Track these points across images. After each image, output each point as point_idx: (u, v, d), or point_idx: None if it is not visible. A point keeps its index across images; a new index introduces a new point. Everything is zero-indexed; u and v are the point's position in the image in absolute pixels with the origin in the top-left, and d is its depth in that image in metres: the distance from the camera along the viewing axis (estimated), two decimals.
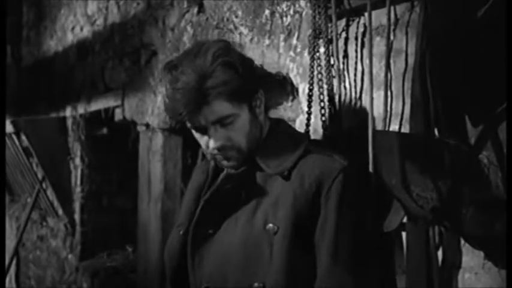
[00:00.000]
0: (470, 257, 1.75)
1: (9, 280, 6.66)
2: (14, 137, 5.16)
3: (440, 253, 1.78)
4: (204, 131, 1.93)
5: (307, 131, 2.26)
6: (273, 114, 3.44)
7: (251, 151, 1.96)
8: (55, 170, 5.09)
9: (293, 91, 3.12)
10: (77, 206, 5.08)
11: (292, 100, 3.26)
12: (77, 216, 5.10)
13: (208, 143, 1.93)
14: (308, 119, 2.27)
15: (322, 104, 2.25)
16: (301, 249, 1.89)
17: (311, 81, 2.28)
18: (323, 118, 2.24)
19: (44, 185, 5.27)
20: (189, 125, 1.94)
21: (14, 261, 6.39)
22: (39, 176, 5.24)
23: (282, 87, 3.26)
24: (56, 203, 5.27)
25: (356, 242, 1.85)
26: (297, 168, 1.92)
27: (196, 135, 1.97)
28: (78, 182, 5.03)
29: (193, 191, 2.15)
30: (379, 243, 1.93)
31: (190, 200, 2.14)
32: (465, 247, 1.76)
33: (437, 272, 1.73)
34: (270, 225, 1.89)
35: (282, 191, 1.92)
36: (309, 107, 2.27)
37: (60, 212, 5.24)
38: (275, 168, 1.94)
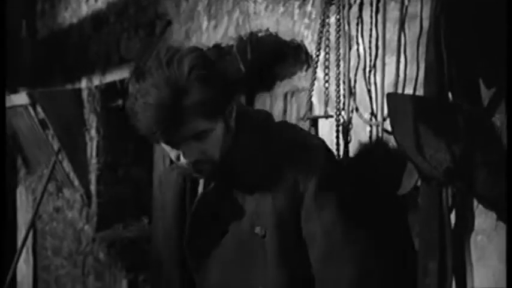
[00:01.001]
0: (483, 219, 1.76)
1: (26, 252, 6.73)
2: (30, 108, 5.20)
3: (453, 215, 1.80)
4: (175, 144, 1.86)
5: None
6: (288, 84, 3.49)
7: (224, 162, 1.92)
8: (71, 142, 5.14)
9: (307, 60, 3.13)
10: (92, 177, 5.13)
11: (307, 69, 3.28)
12: (92, 188, 5.15)
13: (180, 157, 1.88)
14: (326, 87, 2.27)
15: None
16: (294, 246, 1.91)
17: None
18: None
19: (60, 157, 5.32)
20: (161, 141, 1.87)
21: (31, 233, 6.47)
22: (55, 147, 5.28)
23: (296, 56, 3.28)
24: (71, 174, 5.32)
25: (345, 228, 1.86)
26: (274, 172, 1.91)
27: (166, 147, 1.90)
28: (94, 154, 5.08)
29: (174, 193, 2.11)
30: (373, 221, 1.93)
31: (173, 203, 2.11)
32: (478, 209, 1.77)
33: (449, 234, 1.75)
34: (258, 228, 1.92)
35: (261, 194, 1.92)
36: (325, 74, 2.26)
37: (76, 183, 5.29)
38: (254, 179, 1.93)
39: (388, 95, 1.72)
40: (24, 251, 6.51)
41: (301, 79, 3.36)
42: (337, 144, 2.21)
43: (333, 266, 1.86)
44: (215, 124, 1.85)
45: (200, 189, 2.05)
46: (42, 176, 5.90)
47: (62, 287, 6.01)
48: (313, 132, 2.29)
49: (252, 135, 1.96)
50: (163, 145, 1.89)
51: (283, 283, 1.91)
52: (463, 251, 1.79)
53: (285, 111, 3.48)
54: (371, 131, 2.21)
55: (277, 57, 3.45)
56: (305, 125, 2.30)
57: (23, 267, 6.88)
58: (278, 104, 3.49)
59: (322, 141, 2.00)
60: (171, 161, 2.06)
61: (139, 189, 5.03)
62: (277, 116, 3.42)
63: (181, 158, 1.87)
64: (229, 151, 1.92)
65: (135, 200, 5.05)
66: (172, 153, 1.90)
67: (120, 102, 4.89)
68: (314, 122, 2.31)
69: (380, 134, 2.09)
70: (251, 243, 1.93)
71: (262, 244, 1.92)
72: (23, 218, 6.83)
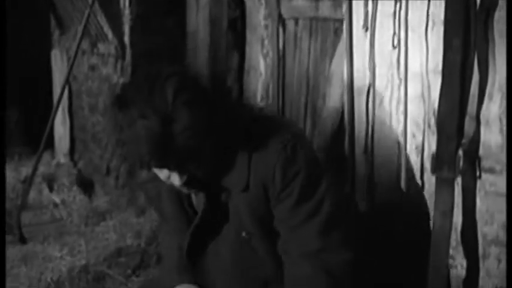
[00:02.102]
0: None
1: (63, 113, 6.91)
2: None
3: None
4: (168, 168, 1.88)
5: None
6: None
7: (212, 177, 1.97)
8: None
9: None
10: (126, 28, 5.21)
11: None
12: (126, 39, 5.24)
13: (170, 178, 1.91)
14: None
15: None
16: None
17: None
18: None
19: (93, 10, 5.38)
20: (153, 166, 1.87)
21: (67, 95, 6.62)
22: (89, 0, 5.35)
23: None
24: (105, 27, 5.41)
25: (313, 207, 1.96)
26: (250, 176, 1.96)
27: (156, 170, 1.91)
28: (127, 4, 5.14)
29: (170, 208, 2.17)
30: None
31: (174, 204, 2.17)
32: None
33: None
34: (243, 233, 2.03)
35: (241, 202, 2.00)
36: None
37: (110, 35, 5.38)
38: (235, 187, 1.98)
39: None
40: (60, 112, 6.69)
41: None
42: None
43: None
44: (205, 144, 1.83)
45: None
46: (76, 34, 5.98)
47: (98, 142, 6.21)
48: None
49: (232, 142, 1.97)
50: (154, 169, 1.91)
51: (281, 276, 2.04)
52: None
53: None
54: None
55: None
56: None
57: (60, 129, 7.08)
58: None
59: (291, 133, 2.01)
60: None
61: (172, 39, 5.10)
62: None
63: (174, 181, 1.91)
64: (215, 166, 1.95)
65: (168, 50, 5.13)
66: (162, 174, 1.91)
67: None
68: None
69: None
70: (241, 245, 2.06)
71: (251, 247, 2.06)
72: (59, 80, 6.95)
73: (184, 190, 2.01)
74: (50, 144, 6.74)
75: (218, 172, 1.97)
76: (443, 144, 2.16)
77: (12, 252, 4.64)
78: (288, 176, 1.93)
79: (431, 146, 2.39)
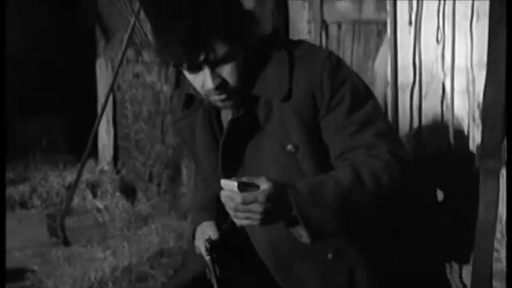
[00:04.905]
0: None
1: (107, 122, 7.02)
2: None
3: None
4: (198, 71, 1.93)
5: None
6: None
7: (246, 88, 2.00)
8: (149, 0, 5.28)
9: None
10: None
11: None
12: None
13: (204, 83, 1.95)
14: None
15: None
16: (326, 156, 2.00)
17: None
18: None
19: (139, 18, 5.48)
20: (184, 65, 1.93)
21: (111, 103, 6.73)
22: (134, 8, 5.45)
23: None
24: (150, 36, 5.49)
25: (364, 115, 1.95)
26: (292, 85, 1.98)
27: (190, 76, 1.98)
28: None
29: (205, 131, 2.16)
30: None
31: (205, 151, 2.19)
32: None
33: None
34: (289, 146, 1.99)
35: (286, 111, 1.99)
36: None
37: None
38: (275, 96, 1.99)
39: None
40: (104, 120, 6.80)
41: None
42: None
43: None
44: (236, 50, 1.92)
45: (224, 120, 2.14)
46: (121, 42, 6.09)
47: (141, 149, 6.30)
48: None
49: (267, 56, 2.02)
50: (188, 76, 1.98)
51: None
52: None
53: None
54: None
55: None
56: None
57: (104, 137, 7.19)
58: None
59: (327, 50, 2.08)
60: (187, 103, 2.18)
61: None
62: None
63: (206, 84, 1.94)
64: (250, 77, 2.00)
65: None
66: (196, 82, 1.97)
67: None
68: None
69: None
70: (285, 162, 2.01)
71: (296, 160, 2.00)
72: (103, 89, 7.08)
73: (219, 103, 2.01)
74: (94, 152, 6.85)
75: (253, 80, 2.01)
76: (488, 134, 2.16)
77: (56, 253, 4.72)
78: (337, 82, 1.95)
79: (475, 139, 2.39)
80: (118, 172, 6.80)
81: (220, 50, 1.88)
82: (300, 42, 2.10)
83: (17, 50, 7.53)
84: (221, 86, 1.94)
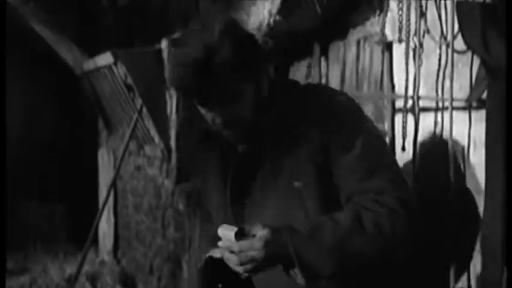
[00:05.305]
0: None
1: (108, 211, 7.05)
2: (114, 68, 5.47)
3: None
4: (210, 106, 1.97)
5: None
6: (360, 31, 3.64)
7: (256, 124, 2.02)
8: (152, 99, 5.38)
9: (380, 4, 3.28)
10: (172, 132, 5.38)
11: (379, 14, 3.42)
12: (172, 143, 5.40)
13: (214, 119, 1.98)
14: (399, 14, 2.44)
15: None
16: (333, 196, 2.01)
17: None
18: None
19: (141, 114, 5.58)
20: (195, 101, 1.98)
21: (112, 193, 6.77)
22: (137, 105, 5.55)
23: (369, 1, 3.43)
24: (152, 131, 5.58)
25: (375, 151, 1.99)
26: (307, 124, 2.00)
27: (202, 111, 2.01)
28: (174, 110, 5.31)
29: (215, 161, 2.19)
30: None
31: (215, 185, 2.20)
32: None
33: None
34: (296, 183, 2.00)
35: (296, 148, 2.01)
36: None
37: (157, 139, 5.55)
38: (286, 132, 2.02)
39: (458, 2, 1.90)
40: (105, 210, 6.84)
41: (373, 24, 3.50)
42: (407, 64, 2.38)
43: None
44: (246, 87, 1.97)
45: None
46: (123, 135, 6.18)
47: (142, 241, 6.30)
48: (386, 57, 2.47)
49: (285, 98, 2.08)
50: (200, 108, 2.02)
51: None
52: None
53: (357, 57, 3.63)
54: (440, 54, 2.37)
55: (351, 5, 3.62)
56: (379, 49, 2.47)
57: (104, 226, 7.21)
58: (351, 50, 3.65)
59: (346, 95, 2.13)
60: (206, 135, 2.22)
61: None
62: (350, 62, 3.58)
63: (216, 120, 1.98)
64: (261, 114, 2.02)
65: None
66: (208, 116, 2.00)
67: None
68: (388, 47, 2.48)
69: (450, 54, 2.25)
70: (291, 198, 2.02)
71: (302, 197, 2.01)
72: (104, 179, 7.13)
73: (229, 138, 2.04)
74: (94, 241, 6.85)
75: (265, 116, 2.03)
76: (488, 265, 2.19)
77: None
78: (351, 124, 1.98)
79: None
80: (118, 262, 6.79)
81: (230, 88, 1.93)
82: (314, 84, 2.15)
83: (18, 136, 7.63)
84: (230, 122, 1.98)
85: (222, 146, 2.16)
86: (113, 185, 5.87)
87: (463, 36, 1.90)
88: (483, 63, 1.87)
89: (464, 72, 2.24)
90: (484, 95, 2.04)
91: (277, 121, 2.04)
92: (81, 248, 5.48)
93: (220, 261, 1.93)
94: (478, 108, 2.18)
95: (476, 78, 2.05)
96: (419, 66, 2.39)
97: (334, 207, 1.99)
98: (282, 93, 2.08)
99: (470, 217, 2.33)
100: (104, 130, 7.08)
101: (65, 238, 7.65)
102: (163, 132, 5.42)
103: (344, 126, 1.98)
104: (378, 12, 3.40)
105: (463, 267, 2.38)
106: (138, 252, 6.40)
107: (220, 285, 2.05)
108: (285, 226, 1.87)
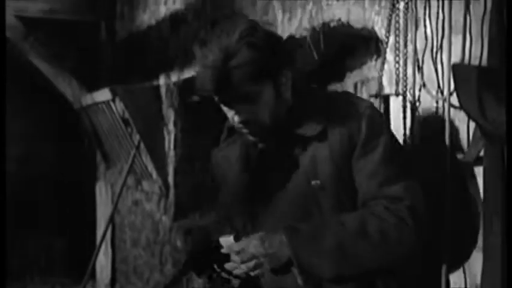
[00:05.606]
0: None
1: (105, 245, 7.02)
2: (112, 104, 5.48)
3: None
4: (230, 105, 2.03)
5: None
6: (358, 74, 3.66)
7: (275, 126, 2.06)
8: (150, 136, 5.40)
9: (377, 49, 3.29)
10: (170, 169, 5.38)
11: (376, 59, 3.44)
12: (170, 179, 5.40)
13: (233, 117, 2.04)
14: (396, 67, 2.45)
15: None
16: (350, 197, 2.04)
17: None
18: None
19: (139, 150, 5.58)
20: (216, 99, 2.04)
21: (110, 227, 6.75)
22: (135, 141, 5.55)
23: (367, 46, 3.45)
24: (150, 167, 5.58)
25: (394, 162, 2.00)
26: (329, 125, 2.04)
27: (224, 108, 2.07)
28: (172, 146, 5.32)
29: (241, 161, 2.19)
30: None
31: (236, 183, 2.20)
32: None
33: None
34: (314, 182, 2.03)
35: (319, 148, 2.04)
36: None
37: (155, 175, 5.54)
38: (311, 131, 2.05)
39: (454, 65, 1.90)
40: (103, 245, 6.81)
41: (370, 69, 3.52)
42: (404, 118, 2.38)
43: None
44: (263, 88, 2.02)
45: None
46: (121, 170, 6.18)
47: (139, 276, 6.27)
48: (383, 110, 2.47)
49: (305, 98, 2.12)
50: (222, 106, 2.07)
51: None
52: None
53: None
54: (437, 107, 2.37)
55: (348, 49, 3.64)
56: (376, 102, 2.47)
57: (102, 259, 7.17)
58: None
59: (370, 102, 2.19)
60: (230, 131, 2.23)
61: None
62: None
63: (235, 118, 2.03)
64: (280, 115, 2.06)
65: (211, 190, 5.24)
66: (229, 114, 2.06)
67: (196, 97, 5.12)
68: (385, 100, 2.48)
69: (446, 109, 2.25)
70: (307, 197, 2.05)
71: (318, 196, 2.04)
72: (102, 212, 7.12)
73: (249, 137, 2.08)
74: (92, 274, 6.81)
75: (288, 115, 2.08)
76: None
77: None
78: (375, 129, 2.01)
79: None
80: None
81: (247, 89, 1.98)
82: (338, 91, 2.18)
83: (17, 169, 7.62)
84: (248, 121, 2.03)
85: (244, 143, 2.18)
86: (111, 219, 5.85)
87: (459, 99, 1.89)
88: (479, 127, 1.86)
89: (462, 127, 2.24)
90: (481, 153, 2.04)
91: (298, 121, 2.07)
92: (78, 281, 5.45)
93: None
94: (475, 165, 2.17)
95: (473, 137, 2.05)
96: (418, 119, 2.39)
97: (349, 210, 2.02)
98: (304, 94, 2.14)
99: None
100: (102, 164, 7.07)
101: (62, 271, 7.60)
102: (161, 169, 5.42)
103: (367, 130, 2.01)
104: (374, 56, 3.42)
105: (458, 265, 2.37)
106: (136, 287, 6.36)
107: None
108: (286, 226, 1.94)
